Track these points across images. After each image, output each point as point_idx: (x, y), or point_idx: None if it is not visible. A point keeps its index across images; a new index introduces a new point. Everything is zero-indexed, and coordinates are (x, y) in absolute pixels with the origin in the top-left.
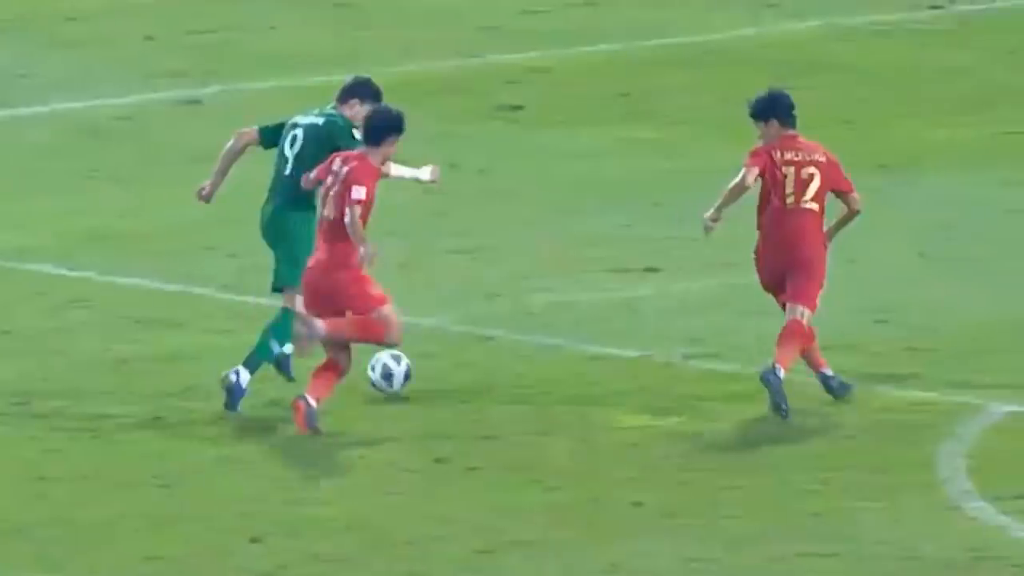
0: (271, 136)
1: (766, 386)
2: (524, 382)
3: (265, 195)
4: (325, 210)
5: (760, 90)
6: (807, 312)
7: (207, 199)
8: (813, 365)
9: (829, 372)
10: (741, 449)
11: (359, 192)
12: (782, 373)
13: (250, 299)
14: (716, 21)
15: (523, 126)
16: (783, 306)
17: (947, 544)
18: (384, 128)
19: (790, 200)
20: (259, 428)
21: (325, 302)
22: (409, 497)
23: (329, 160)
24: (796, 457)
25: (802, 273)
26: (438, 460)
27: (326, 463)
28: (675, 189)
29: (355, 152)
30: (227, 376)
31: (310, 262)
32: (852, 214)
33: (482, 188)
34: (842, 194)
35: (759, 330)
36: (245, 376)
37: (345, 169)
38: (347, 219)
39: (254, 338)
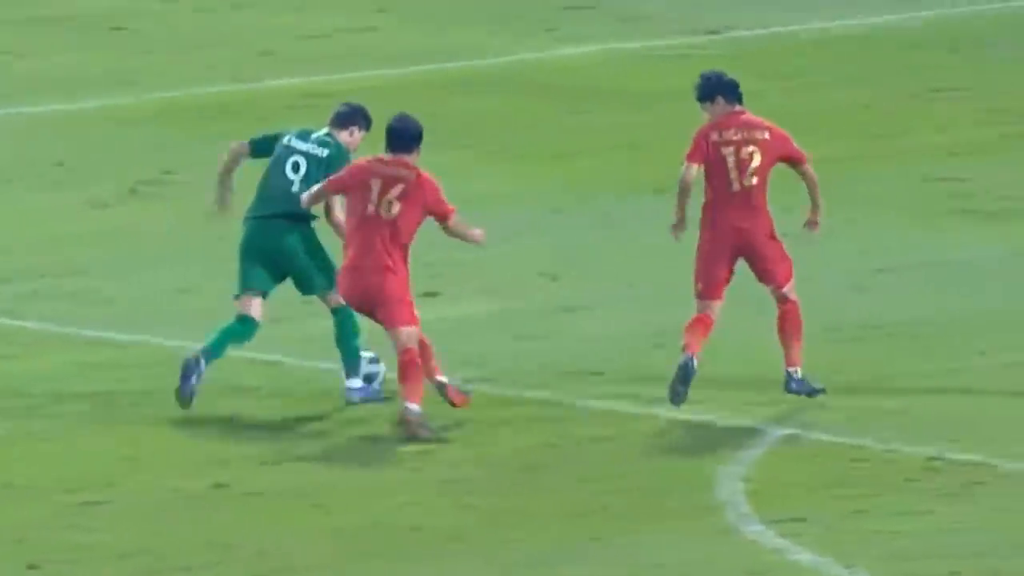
0: (261, 148)
1: (794, 394)
2: (311, 406)
3: (249, 215)
4: (374, 209)
5: (704, 72)
6: (792, 285)
7: (223, 206)
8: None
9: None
10: (521, 473)
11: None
12: (799, 374)
13: (28, 324)
14: (496, 46)
15: None
16: (706, 298)
17: (726, 567)
18: (420, 137)
19: (734, 184)
20: (35, 455)
21: (368, 298)
22: (188, 523)
23: (359, 168)
24: (576, 480)
25: (765, 254)
26: (217, 485)
27: (104, 489)
28: (465, 213)
29: (401, 159)
30: (344, 391)
31: (359, 262)
32: (812, 182)
33: None
34: (795, 164)
35: (538, 354)
36: (356, 382)
37: (404, 175)
38: (457, 226)
39: (36, 364)
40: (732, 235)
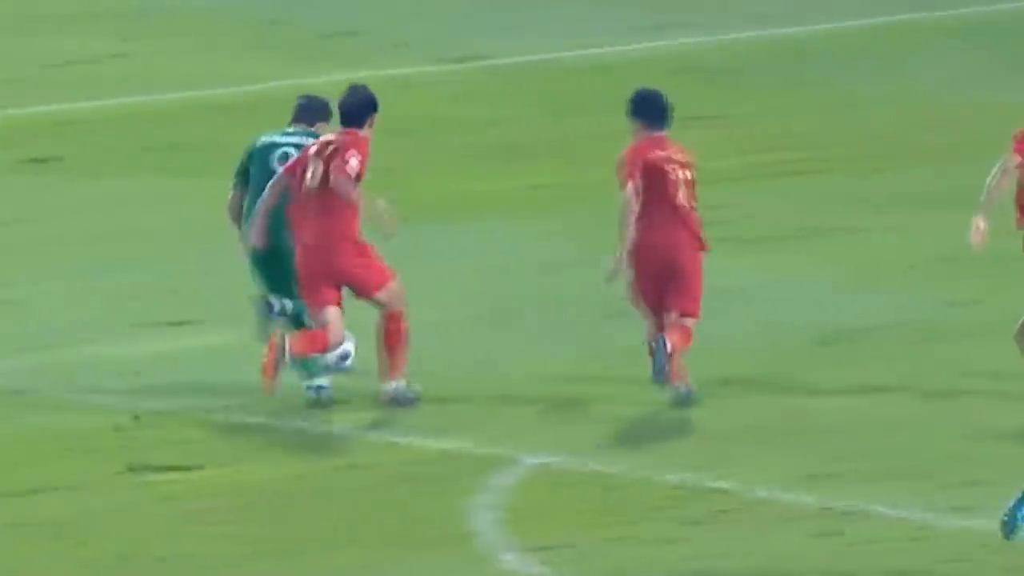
0: (245, 178)
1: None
2: (58, 437)
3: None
4: (309, 185)
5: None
6: (691, 320)
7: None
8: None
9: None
10: (273, 503)
11: (354, 160)
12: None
13: None
14: (254, 73)
15: (59, 177)
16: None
17: None
18: (372, 106)
19: (680, 201)
20: None
21: (328, 280)
22: None
23: (304, 152)
24: (323, 511)
25: (682, 280)
26: None
27: None
28: (216, 240)
29: (350, 131)
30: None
31: (305, 241)
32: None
33: (17, 240)
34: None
35: (287, 383)
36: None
37: (338, 140)
38: (338, 184)
39: None
40: (659, 257)
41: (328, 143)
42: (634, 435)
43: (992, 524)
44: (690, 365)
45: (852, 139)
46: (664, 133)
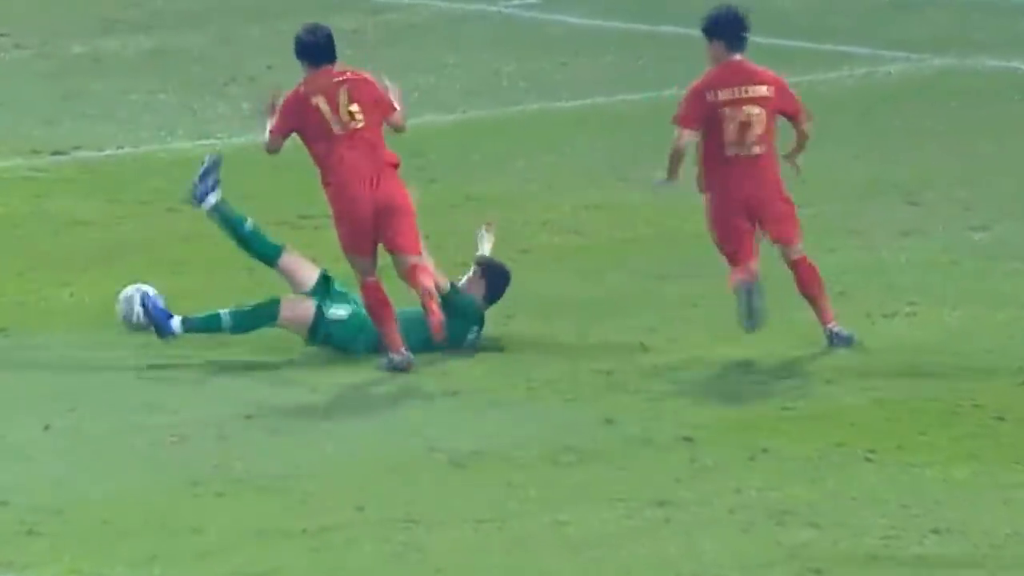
0: None
1: (841, 345)
2: None
3: None
4: (340, 127)
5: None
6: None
7: None
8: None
9: None
10: None
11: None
12: (841, 328)
13: None
14: None
15: None
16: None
17: None
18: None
19: (731, 149)
20: None
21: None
22: None
23: (297, 100)
24: None
25: (780, 214)
26: None
27: None
28: None
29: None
30: None
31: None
32: (802, 138)
33: None
34: (791, 118)
35: None
36: None
37: (339, 78)
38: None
39: None
40: (741, 207)
41: (335, 84)
42: None
43: None
44: None
45: None
46: (741, 58)
